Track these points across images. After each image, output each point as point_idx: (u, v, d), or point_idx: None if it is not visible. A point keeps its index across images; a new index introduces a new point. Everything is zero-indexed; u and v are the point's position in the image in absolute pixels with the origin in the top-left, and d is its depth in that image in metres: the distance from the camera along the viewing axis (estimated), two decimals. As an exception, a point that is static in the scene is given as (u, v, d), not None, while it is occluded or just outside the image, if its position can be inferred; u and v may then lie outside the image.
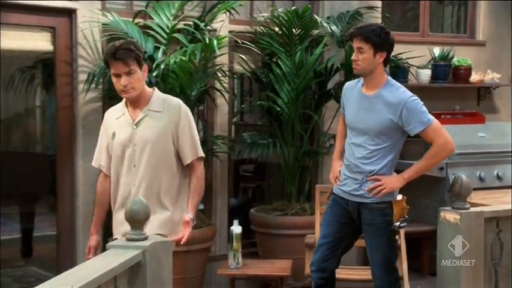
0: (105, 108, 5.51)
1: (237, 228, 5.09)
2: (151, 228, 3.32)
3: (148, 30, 5.47)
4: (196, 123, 6.63)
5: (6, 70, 7.92)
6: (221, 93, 5.86)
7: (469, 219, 3.56)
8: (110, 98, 5.46)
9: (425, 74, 6.91)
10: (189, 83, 5.36)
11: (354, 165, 4.07)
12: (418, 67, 6.85)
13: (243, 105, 7.55)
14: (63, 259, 5.50)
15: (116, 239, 3.63)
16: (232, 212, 6.14)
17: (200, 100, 6.03)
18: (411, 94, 4.04)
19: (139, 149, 3.59)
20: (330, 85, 6.25)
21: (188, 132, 3.66)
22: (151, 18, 5.55)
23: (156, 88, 3.78)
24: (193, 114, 6.09)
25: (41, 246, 6.95)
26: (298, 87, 5.93)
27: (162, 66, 5.10)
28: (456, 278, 3.57)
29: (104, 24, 5.42)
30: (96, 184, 3.89)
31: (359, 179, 4.06)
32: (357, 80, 4.23)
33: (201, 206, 6.25)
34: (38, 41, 6.00)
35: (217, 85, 5.80)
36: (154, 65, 5.20)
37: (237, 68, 6.24)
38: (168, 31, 5.46)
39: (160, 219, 3.58)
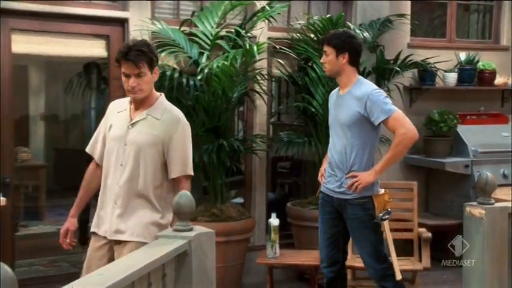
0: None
1: (274, 221, 5.09)
2: (132, 231, 3.26)
3: (193, 37, 5.50)
4: (237, 123, 6.70)
5: (65, 75, 8.05)
6: (260, 95, 5.87)
7: (494, 214, 3.50)
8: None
9: (452, 78, 6.85)
10: (230, 86, 5.37)
11: (333, 161, 4.14)
12: (445, 71, 6.78)
13: (280, 107, 7.54)
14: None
15: (94, 232, 3.40)
16: (270, 206, 6.13)
17: (241, 102, 6.05)
18: (375, 87, 4.13)
19: (128, 149, 3.31)
20: (362, 88, 6.19)
21: (181, 147, 3.35)
22: (196, 26, 5.57)
23: (163, 94, 3.49)
24: (233, 115, 6.17)
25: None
26: (331, 89, 5.87)
27: (206, 71, 5.12)
28: (481, 269, 3.51)
29: (153, 32, 5.46)
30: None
31: (339, 176, 4.10)
32: (338, 87, 4.30)
33: (241, 200, 6.27)
34: (94, 48, 6.06)
35: (257, 88, 5.81)
36: (198, 69, 5.24)
37: (275, 71, 6.24)
38: (211, 38, 5.47)
39: (141, 222, 3.30)
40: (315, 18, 5.96)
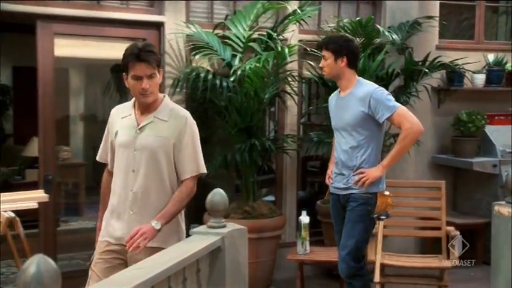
0: (188, 109, 5.59)
1: (305, 218, 5.08)
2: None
3: (226, 40, 5.51)
4: (268, 123, 6.69)
5: (104, 77, 8.13)
6: (291, 96, 5.86)
7: (522, 213, 3.45)
8: (193, 99, 5.54)
9: (480, 79, 6.76)
10: (262, 87, 5.36)
11: (340, 160, 4.14)
12: (474, 72, 6.69)
13: (310, 107, 7.52)
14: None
15: (107, 241, 3.17)
16: (300, 204, 6.12)
17: (272, 102, 6.05)
18: (377, 86, 4.12)
19: (138, 154, 3.11)
20: (390, 89, 6.14)
21: (190, 147, 3.16)
22: (229, 29, 5.58)
23: (166, 95, 3.29)
24: (265, 115, 6.16)
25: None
26: (360, 90, 5.85)
27: (239, 72, 5.13)
28: (509, 268, 3.46)
29: (187, 35, 5.49)
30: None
31: (345, 174, 4.11)
32: (337, 90, 4.29)
33: (272, 198, 6.26)
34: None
35: (288, 89, 5.80)
36: (231, 71, 5.25)
37: (306, 73, 6.22)
38: (244, 40, 5.48)
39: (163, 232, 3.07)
40: (344, 20, 5.93)
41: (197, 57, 5.42)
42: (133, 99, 3.21)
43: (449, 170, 6.64)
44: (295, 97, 5.91)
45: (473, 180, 6.57)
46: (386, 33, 6.05)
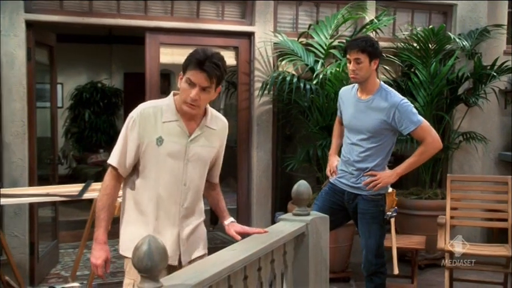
0: (274, 111, 5.61)
1: (379, 208, 4.98)
2: (199, 249, 2.70)
3: (309, 47, 5.49)
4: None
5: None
6: (368, 98, 5.76)
7: None
8: (279, 100, 5.56)
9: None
10: (341, 90, 5.31)
11: (351, 161, 3.81)
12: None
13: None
14: (241, 227, 5.63)
15: None
16: (375, 195, 6.02)
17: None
18: (402, 97, 3.75)
19: (191, 166, 2.60)
20: (460, 91, 6.01)
21: (223, 152, 2.80)
22: (312, 37, 5.55)
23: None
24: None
25: (225, 217, 7.19)
26: (432, 92, 5.72)
27: (321, 76, 5.12)
28: None
29: (275, 43, 5.51)
30: None
31: (355, 174, 3.80)
32: (351, 85, 3.93)
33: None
34: (225, 58, 6.17)
35: (365, 91, 5.71)
36: (314, 75, 5.23)
37: (381, 76, 6.10)
38: (325, 48, 5.44)
39: (205, 238, 2.79)
40: (418, 29, 5.79)
41: (283, 62, 5.43)
42: (172, 100, 2.62)
43: (514, 166, 6.38)
44: (371, 98, 5.81)
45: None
46: (457, 40, 5.89)
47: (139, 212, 2.60)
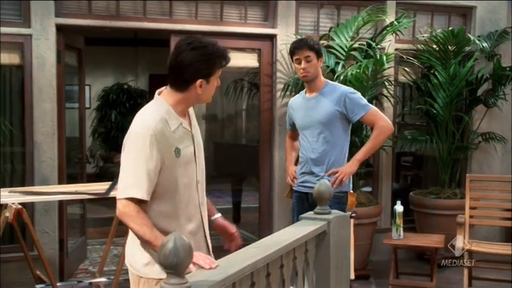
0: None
1: (399, 207, 4.95)
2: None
3: (330, 49, 5.46)
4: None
5: (223, 82, 8.28)
6: (388, 99, 5.74)
7: None
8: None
9: None
10: (362, 91, 5.26)
11: (309, 159, 3.78)
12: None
13: (405, 108, 7.31)
14: (263, 225, 5.65)
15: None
16: (394, 194, 5.98)
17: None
18: (349, 87, 3.87)
19: (199, 158, 2.45)
20: (479, 92, 5.94)
21: None
22: (333, 39, 5.53)
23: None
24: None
25: (247, 215, 7.21)
26: (452, 93, 5.66)
27: (342, 77, 5.08)
28: None
29: (296, 45, 5.48)
30: None
31: (315, 172, 3.76)
32: (298, 94, 4.02)
33: (369, 189, 6.16)
34: (248, 60, 6.19)
35: (385, 92, 5.69)
36: (335, 76, 5.20)
37: (401, 78, 6.08)
38: (346, 49, 5.41)
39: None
40: (437, 31, 5.73)
41: (304, 64, 5.41)
42: (166, 104, 2.38)
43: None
44: (391, 99, 5.78)
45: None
46: (477, 41, 5.82)
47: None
